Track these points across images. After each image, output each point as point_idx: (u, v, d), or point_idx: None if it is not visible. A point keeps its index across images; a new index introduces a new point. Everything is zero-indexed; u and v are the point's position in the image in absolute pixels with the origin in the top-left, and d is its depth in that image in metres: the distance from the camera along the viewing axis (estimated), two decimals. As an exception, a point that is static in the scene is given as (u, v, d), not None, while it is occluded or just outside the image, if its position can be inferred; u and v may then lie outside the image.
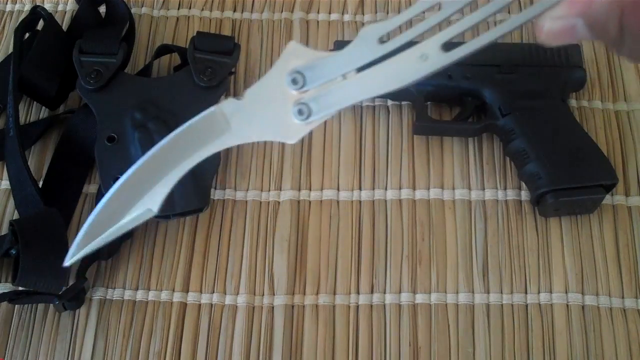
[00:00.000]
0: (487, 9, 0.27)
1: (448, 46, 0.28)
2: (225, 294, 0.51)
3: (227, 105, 0.33)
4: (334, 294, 0.51)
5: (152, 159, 0.35)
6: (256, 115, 0.32)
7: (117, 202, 0.36)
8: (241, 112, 0.33)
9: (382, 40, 0.29)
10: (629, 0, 0.24)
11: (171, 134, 0.34)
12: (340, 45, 0.29)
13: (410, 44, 0.28)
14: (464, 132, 0.56)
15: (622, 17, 0.25)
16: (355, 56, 0.29)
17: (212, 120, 0.33)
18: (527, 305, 0.51)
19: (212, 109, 0.33)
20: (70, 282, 0.50)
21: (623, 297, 0.51)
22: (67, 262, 0.34)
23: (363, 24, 0.63)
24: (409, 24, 0.28)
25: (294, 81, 0.30)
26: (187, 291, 0.51)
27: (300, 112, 0.30)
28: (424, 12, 0.28)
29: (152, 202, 0.36)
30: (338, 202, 0.55)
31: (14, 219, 0.52)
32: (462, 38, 0.29)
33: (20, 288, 0.48)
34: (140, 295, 0.51)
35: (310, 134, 0.57)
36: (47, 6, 0.63)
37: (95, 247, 0.36)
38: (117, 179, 0.51)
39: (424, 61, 0.28)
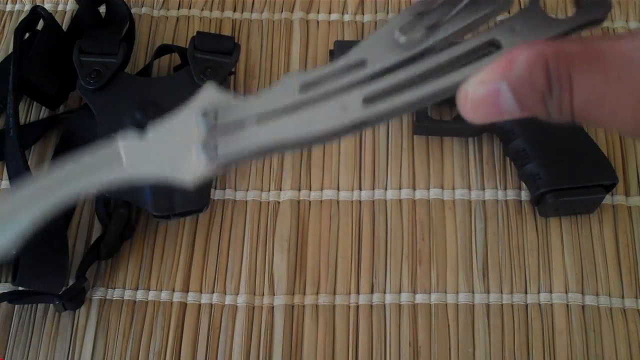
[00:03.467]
0: (413, 69, 0.26)
1: (370, 100, 0.27)
2: (225, 294, 0.51)
3: (124, 136, 0.29)
4: (334, 294, 0.51)
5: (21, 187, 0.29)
6: (155, 150, 0.29)
7: None
8: (138, 146, 0.29)
9: (304, 89, 0.27)
10: (550, 50, 0.24)
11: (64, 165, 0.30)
12: (288, 76, 0.28)
13: (331, 94, 0.27)
14: (464, 132, 0.56)
15: (547, 68, 0.24)
16: (273, 101, 0.27)
17: (103, 151, 0.30)
18: (527, 305, 0.51)
19: (110, 143, 0.30)
20: (70, 282, 0.50)
21: (623, 297, 0.51)
22: None
23: (363, 24, 0.63)
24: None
25: (204, 114, 0.28)
26: (187, 291, 0.51)
27: (204, 149, 0.27)
28: (351, 67, 0.27)
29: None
30: (338, 202, 0.55)
31: (14, 219, 0.52)
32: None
33: (20, 288, 0.48)
34: (140, 295, 0.51)
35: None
36: (47, 6, 0.63)
37: None
38: (117, 179, 0.51)
39: (343, 110, 0.27)
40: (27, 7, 0.64)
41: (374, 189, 0.55)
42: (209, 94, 0.28)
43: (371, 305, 0.51)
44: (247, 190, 0.55)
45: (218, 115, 0.28)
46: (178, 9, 0.64)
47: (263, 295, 0.51)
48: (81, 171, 0.29)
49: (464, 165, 0.56)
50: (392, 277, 0.52)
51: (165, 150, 0.28)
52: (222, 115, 0.28)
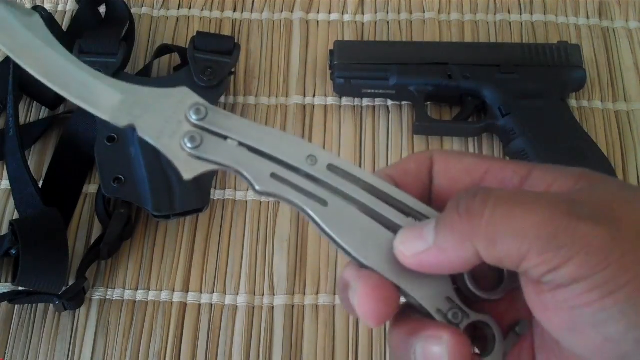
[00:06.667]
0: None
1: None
2: (225, 294, 0.51)
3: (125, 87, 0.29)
4: (334, 294, 0.51)
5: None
6: (148, 106, 0.28)
7: None
8: (136, 90, 0.29)
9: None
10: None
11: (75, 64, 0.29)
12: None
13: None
14: (464, 132, 0.56)
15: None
16: (257, 140, 0.28)
17: (106, 79, 0.29)
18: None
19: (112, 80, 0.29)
20: (70, 282, 0.50)
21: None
22: None
23: (363, 24, 0.63)
24: None
25: (197, 107, 0.28)
26: (187, 291, 0.51)
27: (191, 139, 0.27)
28: None
29: None
30: (338, 202, 0.55)
31: (14, 219, 0.53)
32: None
33: (20, 288, 0.48)
34: (140, 295, 0.51)
35: (310, 134, 0.57)
36: (47, 6, 0.63)
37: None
38: (117, 179, 0.51)
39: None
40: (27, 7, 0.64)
41: (374, 189, 0.55)
42: (190, 94, 0.28)
43: (371, 305, 0.51)
44: (247, 190, 0.55)
45: (208, 114, 0.28)
46: (178, 9, 0.64)
47: (263, 295, 0.51)
48: (84, 79, 0.29)
49: (464, 165, 0.56)
50: (392, 277, 0.51)
51: (157, 114, 0.28)
52: (210, 116, 0.28)
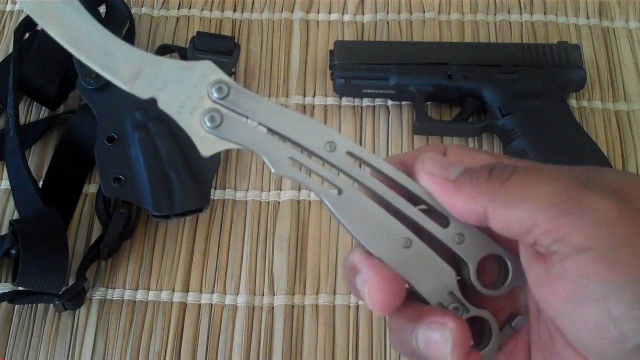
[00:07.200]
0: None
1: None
2: (225, 294, 0.51)
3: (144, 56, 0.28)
4: (334, 294, 0.51)
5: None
6: (168, 79, 0.28)
7: None
8: (157, 61, 0.28)
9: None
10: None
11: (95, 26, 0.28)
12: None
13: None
14: (464, 132, 0.56)
15: None
16: (279, 123, 0.28)
17: (130, 49, 0.28)
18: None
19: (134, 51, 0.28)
20: (70, 282, 0.50)
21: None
22: None
23: (363, 24, 0.63)
24: None
25: (219, 85, 0.28)
26: (187, 291, 0.51)
27: (211, 119, 0.27)
28: None
29: None
30: (338, 202, 0.55)
31: (14, 219, 0.53)
32: None
33: (20, 288, 0.48)
34: (140, 295, 0.51)
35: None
36: (47, 6, 0.63)
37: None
38: (117, 179, 0.51)
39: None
40: (27, 7, 0.64)
41: (374, 189, 0.55)
42: (213, 68, 0.28)
43: (371, 305, 0.51)
44: (247, 190, 0.55)
45: (230, 93, 0.28)
46: (178, 9, 0.64)
47: (263, 295, 0.51)
48: (107, 46, 0.28)
49: (464, 165, 0.56)
50: (392, 277, 0.52)
51: (179, 88, 0.28)
52: (232, 96, 0.28)
